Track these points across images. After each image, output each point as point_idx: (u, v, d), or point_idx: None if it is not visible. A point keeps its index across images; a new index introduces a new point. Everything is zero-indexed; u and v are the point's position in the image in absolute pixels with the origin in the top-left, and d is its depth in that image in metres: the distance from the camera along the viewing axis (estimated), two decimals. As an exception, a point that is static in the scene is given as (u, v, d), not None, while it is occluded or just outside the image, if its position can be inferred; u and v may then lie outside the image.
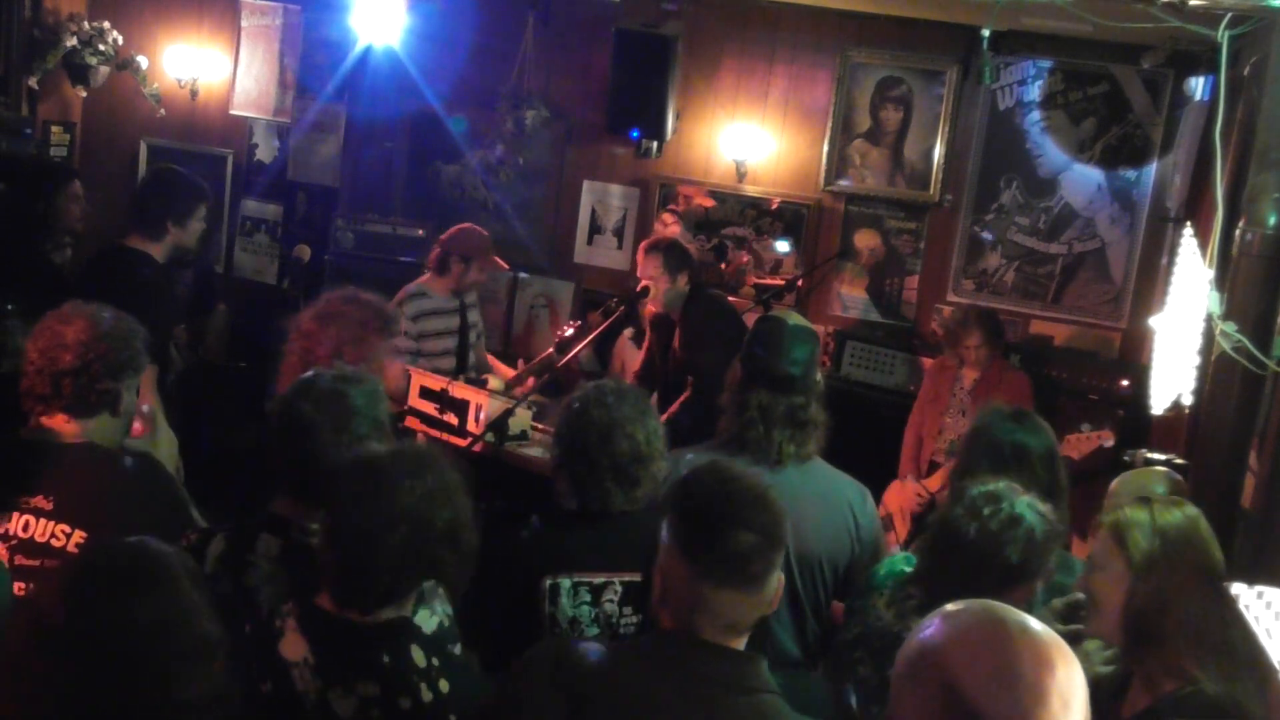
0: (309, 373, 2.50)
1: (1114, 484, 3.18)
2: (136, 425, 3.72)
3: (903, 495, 5.14)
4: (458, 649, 2.14)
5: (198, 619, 1.59)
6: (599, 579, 2.50)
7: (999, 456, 2.79)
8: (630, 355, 5.79)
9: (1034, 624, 1.42)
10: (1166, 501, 2.30)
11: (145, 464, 2.79)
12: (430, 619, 2.08)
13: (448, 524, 2.02)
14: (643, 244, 5.05)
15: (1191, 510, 2.29)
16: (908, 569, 2.57)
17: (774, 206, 6.36)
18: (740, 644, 1.85)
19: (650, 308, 5.12)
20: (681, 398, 4.74)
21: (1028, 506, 2.31)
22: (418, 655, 2.00)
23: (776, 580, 1.85)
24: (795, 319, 2.98)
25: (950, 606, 1.47)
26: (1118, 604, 2.22)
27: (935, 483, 5.09)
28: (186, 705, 1.55)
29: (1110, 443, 4.15)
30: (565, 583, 2.49)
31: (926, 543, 2.47)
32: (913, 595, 2.45)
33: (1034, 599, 2.36)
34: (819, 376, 2.95)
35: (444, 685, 1.99)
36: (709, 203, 6.39)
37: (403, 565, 1.98)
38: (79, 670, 1.51)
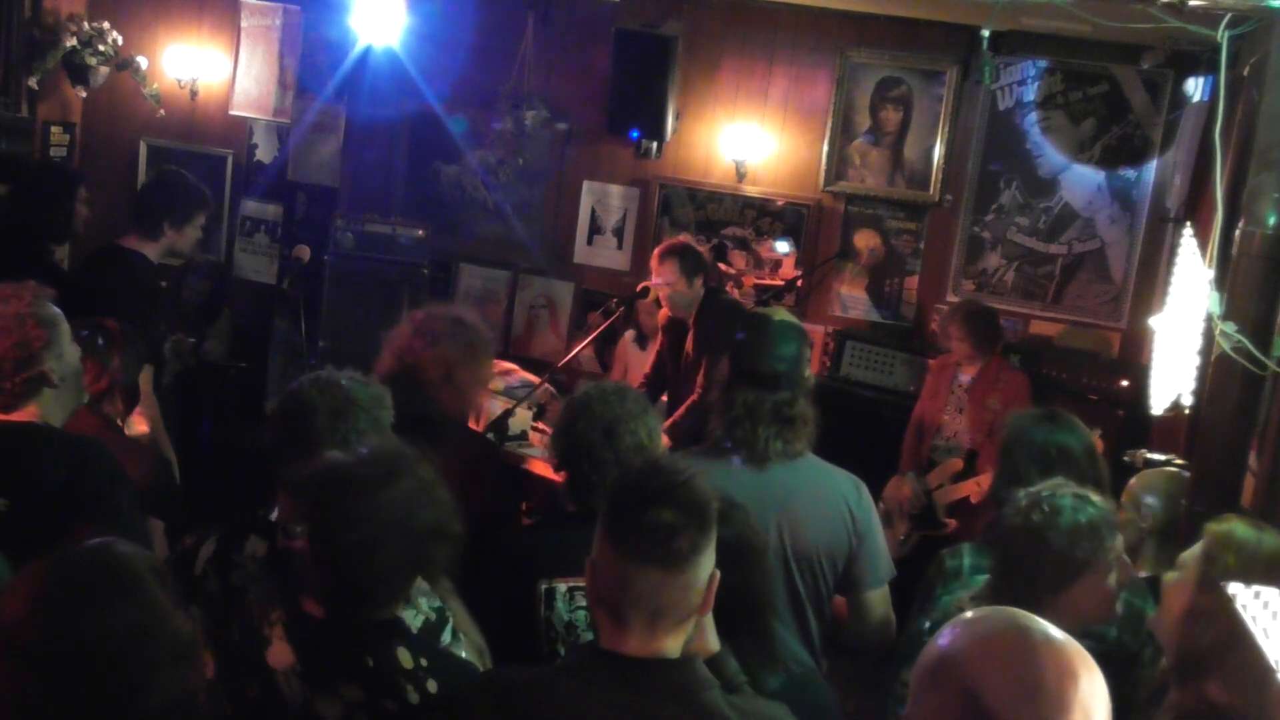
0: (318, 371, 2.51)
1: (1132, 482, 3.20)
2: (141, 426, 3.70)
3: (900, 492, 5.14)
4: (446, 635, 2.11)
5: (169, 621, 1.56)
6: None
7: (1045, 460, 2.82)
8: (634, 357, 5.78)
9: (1057, 633, 1.40)
10: (1272, 531, 2.27)
11: (89, 444, 2.71)
12: (416, 617, 2.07)
13: (434, 523, 2.00)
14: (657, 249, 5.05)
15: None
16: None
17: (778, 205, 6.36)
18: (672, 643, 1.78)
19: (662, 310, 5.13)
20: (687, 402, 4.74)
21: (1071, 497, 2.34)
22: (404, 657, 1.97)
23: (708, 572, 1.79)
24: (781, 315, 2.96)
25: (970, 613, 1.45)
26: (1178, 610, 2.21)
27: (934, 479, 5.10)
28: (159, 710, 1.52)
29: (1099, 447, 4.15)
30: (560, 587, 2.47)
31: (993, 556, 2.48)
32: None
33: (1112, 596, 2.34)
34: (808, 373, 2.92)
35: (433, 686, 1.97)
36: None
37: (394, 572, 1.96)
38: (49, 680, 1.48)
